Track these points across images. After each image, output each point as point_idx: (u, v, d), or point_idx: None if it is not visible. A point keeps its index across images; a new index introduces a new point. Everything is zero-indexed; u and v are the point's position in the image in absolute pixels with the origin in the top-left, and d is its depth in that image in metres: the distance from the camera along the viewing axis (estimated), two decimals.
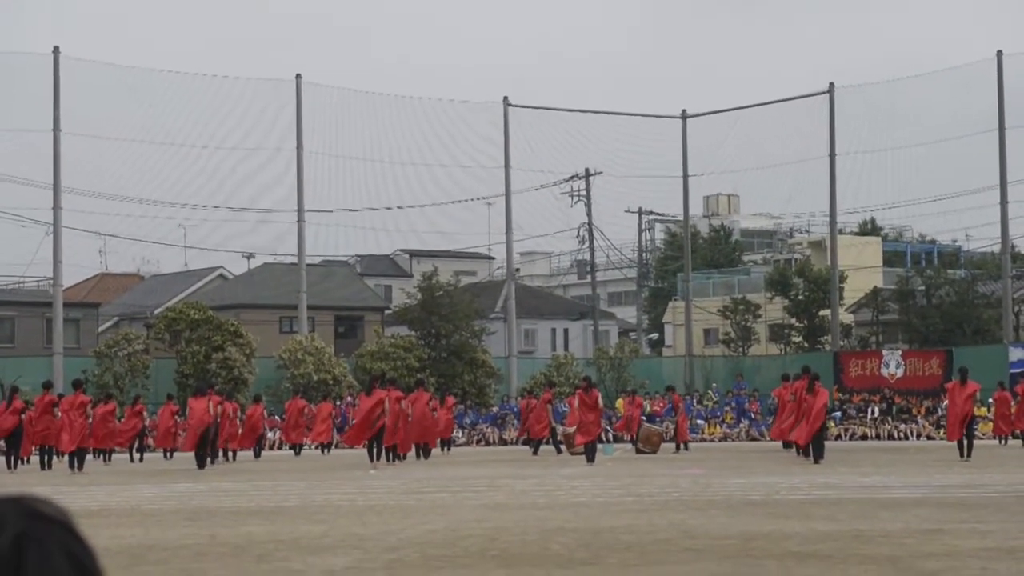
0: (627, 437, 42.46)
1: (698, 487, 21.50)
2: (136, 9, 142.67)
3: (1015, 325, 56.48)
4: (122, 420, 40.33)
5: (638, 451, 38.39)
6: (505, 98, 59.72)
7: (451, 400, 44.81)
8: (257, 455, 40.24)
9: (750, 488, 20.94)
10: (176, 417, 40.50)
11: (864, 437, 49.32)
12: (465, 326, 58.05)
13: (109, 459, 37.74)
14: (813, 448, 30.47)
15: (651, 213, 76.96)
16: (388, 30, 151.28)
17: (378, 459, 31.73)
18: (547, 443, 39.82)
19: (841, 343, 60.17)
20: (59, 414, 33.10)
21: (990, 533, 13.34)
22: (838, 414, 50.44)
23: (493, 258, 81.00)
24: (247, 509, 18.35)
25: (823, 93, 59.12)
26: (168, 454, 39.93)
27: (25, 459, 35.75)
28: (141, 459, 39.44)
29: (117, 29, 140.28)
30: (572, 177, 68.61)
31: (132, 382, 51.02)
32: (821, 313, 62.25)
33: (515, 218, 60.50)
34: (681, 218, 67.18)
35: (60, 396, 35.37)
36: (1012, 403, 42.01)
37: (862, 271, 66.81)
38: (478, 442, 50.59)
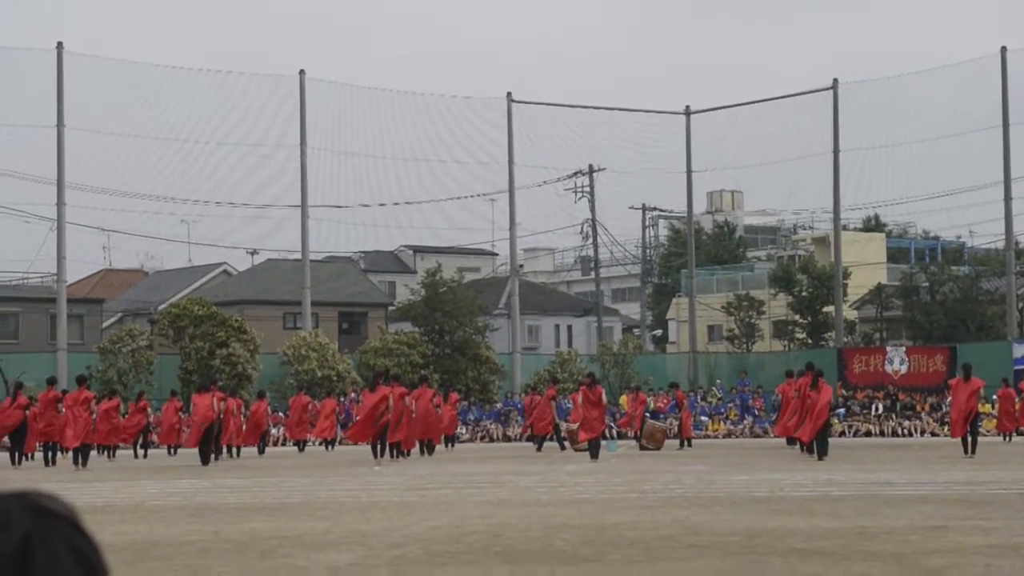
0: (630, 434, 42.44)
1: (702, 484, 21.49)
2: (139, 5, 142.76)
3: (1019, 321, 56.42)
4: (126, 416, 40.35)
5: (642, 448, 38.38)
6: (508, 94, 59.71)
7: (455, 396, 44.81)
8: (261, 451, 40.26)
9: (754, 485, 20.93)
10: (180, 413, 40.51)
11: (868, 434, 49.29)
12: (469, 322, 58.06)
13: (113, 455, 37.77)
14: (817, 445, 30.46)
15: (655, 209, 76.91)
16: (391, 26, 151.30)
17: (382, 455, 31.74)
18: (551, 439, 39.82)
19: (845, 339, 60.13)
20: (63, 410, 33.12)
21: (994, 530, 13.33)
22: (842, 411, 50.40)
23: (497, 254, 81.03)
24: (251, 505, 18.36)
25: (827, 89, 59.08)
26: (172, 450, 39.96)
27: (29, 455, 35.82)
28: (145, 455, 39.48)
29: (120, 25, 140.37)
30: (576, 173, 68.62)
31: (136, 378, 51.05)
32: (825, 309, 62.20)
33: (519, 214, 60.53)
34: (685, 214, 67.15)
35: (64, 392, 35.39)
36: (1016, 400, 41.96)
37: (866, 267, 66.72)
38: (482, 438, 50.60)
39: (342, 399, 49.18)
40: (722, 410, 53.60)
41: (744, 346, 63.65)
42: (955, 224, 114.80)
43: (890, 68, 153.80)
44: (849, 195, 60.34)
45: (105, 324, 66.75)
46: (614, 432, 45.45)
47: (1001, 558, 11.23)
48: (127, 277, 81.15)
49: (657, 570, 10.99)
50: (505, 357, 58.73)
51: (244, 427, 39.80)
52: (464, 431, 49.44)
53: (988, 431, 42.38)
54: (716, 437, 50.29)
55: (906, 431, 49.28)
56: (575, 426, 35.26)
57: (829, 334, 61.84)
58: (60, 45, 52.16)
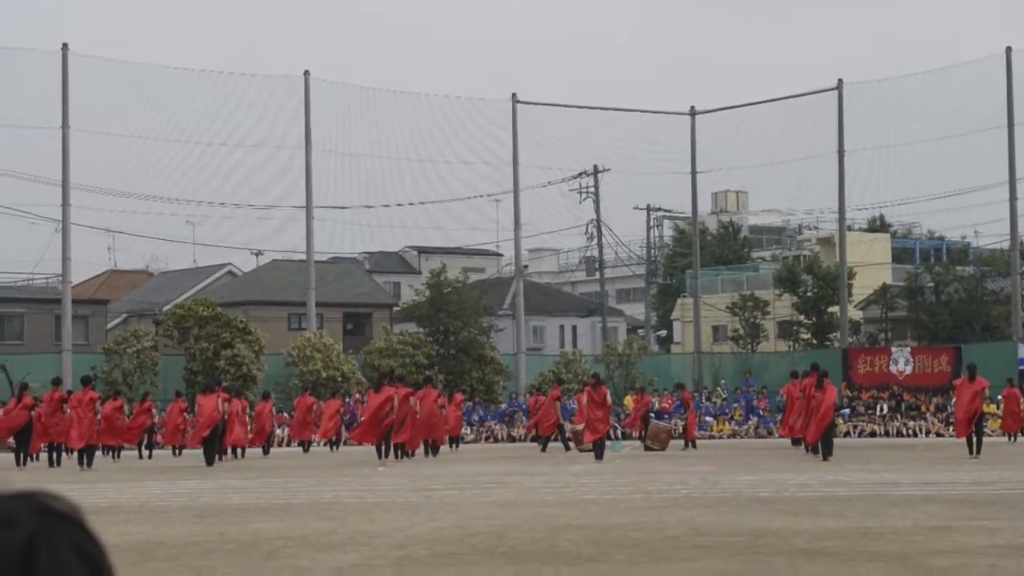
0: (635, 434, 42.44)
1: (707, 484, 21.49)
2: (144, 6, 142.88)
3: None
4: (131, 417, 40.39)
5: (647, 448, 38.37)
6: (514, 95, 59.73)
7: (459, 397, 44.82)
8: (266, 452, 40.27)
9: (759, 485, 20.92)
10: (185, 414, 40.53)
11: (873, 434, 49.26)
12: (473, 323, 58.07)
13: (118, 456, 37.78)
14: (822, 445, 30.45)
15: (659, 210, 76.90)
16: (395, 28, 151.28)
17: (386, 456, 31.75)
18: (555, 440, 39.82)
19: (850, 340, 60.10)
20: (68, 411, 33.15)
21: (999, 530, 13.32)
22: (847, 411, 50.39)
23: (501, 255, 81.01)
24: (256, 506, 18.37)
25: (832, 90, 59.07)
26: (177, 451, 39.98)
27: (34, 456, 35.84)
28: (150, 456, 39.50)
29: (125, 26, 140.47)
30: (580, 174, 68.62)
31: (141, 379, 51.09)
32: (830, 310, 62.18)
33: (523, 215, 60.57)
34: (690, 215, 67.14)
35: (69, 393, 35.41)
36: (1021, 400, 41.91)
37: (871, 268, 66.71)
38: (487, 439, 50.60)
39: (347, 400, 49.20)
40: (727, 410, 53.58)
41: (749, 346, 63.63)
42: (960, 224, 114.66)
43: (895, 68, 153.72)
44: (854, 195, 60.38)
45: (110, 325, 66.83)
46: (619, 433, 45.44)
47: (1006, 558, 11.22)
48: (132, 278, 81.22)
49: (662, 571, 10.99)
50: (510, 358, 58.74)
51: (251, 428, 39.85)
52: (469, 432, 49.44)
53: (993, 431, 42.33)
54: (721, 437, 50.27)
55: (911, 431, 49.24)
56: (580, 427, 35.27)
57: (834, 334, 61.81)
58: (65, 46, 52.24)
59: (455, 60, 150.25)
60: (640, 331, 77.14)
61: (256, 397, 46.13)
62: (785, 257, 77.13)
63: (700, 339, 63.57)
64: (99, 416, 34.32)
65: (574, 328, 76.62)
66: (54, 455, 34.29)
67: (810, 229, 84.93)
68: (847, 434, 48.10)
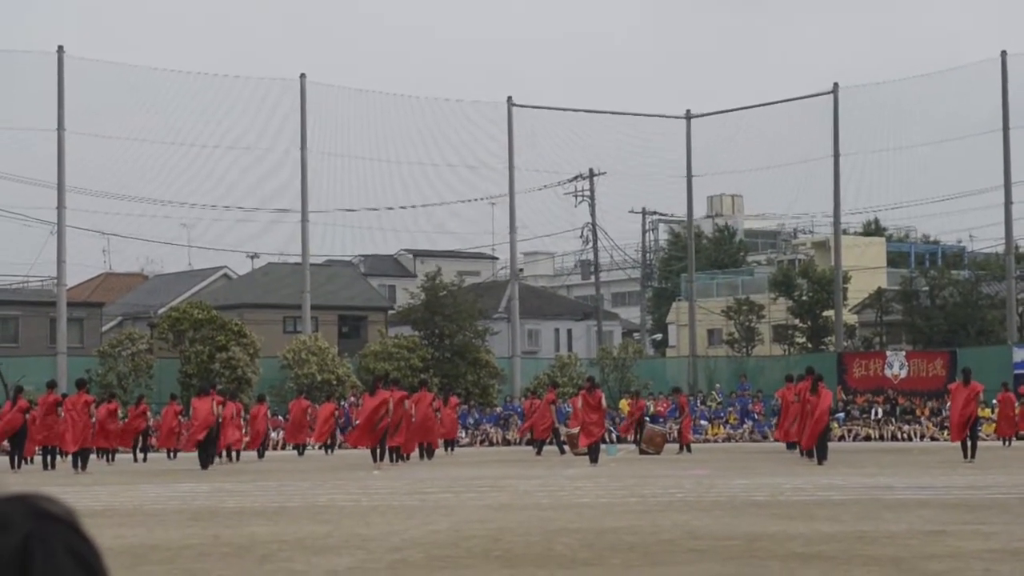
0: (630, 438, 42.44)
1: (702, 488, 21.49)
2: (139, 9, 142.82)
3: (1019, 326, 56.43)
4: (125, 420, 40.34)
5: (642, 452, 38.37)
6: (509, 98, 59.75)
7: (454, 400, 44.79)
8: (260, 455, 40.24)
9: (754, 489, 20.93)
10: (179, 417, 40.50)
11: (868, 438, 49.30)
12: (469, 326, 58.06)
13: (112, 459, 37.74)
14: (817, 449, 30.46)
15: (655, 213, 76.94)
16: (391, 30, 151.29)
17: (381, 459, 31.74)
18: (550, 443, 39.81)
19: (845, 344, 60.13)
20: (63, 414, 33.11)
21: (993, 535, 13.33)
22: (842, 415, 50.42)
23: (497, 258, 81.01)
24: (250, 509, 18.36)
25: (827, 93, 59.11)
26: (171, 454, 39.95)
27: (29, 459, 35.79)
28: (144, 459, 39.47)
29: (121, 28, 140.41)
30: (576, 177, 68.65)
31: (136, 382, 51.03)
32: (825, 314, 62.21)
33: (519, 218, 60.52)
34: (685, 218, 67.17)
35: (64, 396, 35.36)
36: (1016, 404, 41.97)
37: (866, 272, 66.74)
38: (482, 442, 50.58)
39: (342, 403, 49.16)
40: (722, 414, 53.60)
41: (744, 350, 63.65)
42: (955, 228, 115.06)
43: (890, 72, 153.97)
44: (849, 199, 60.42)
45: (105, 328, 66.74)
46: (614, 436, 45.43)
47: (1000, 563, 11.23)
48: (127, 281, 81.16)
49: (657, 574, 10.99)
50: (505, 361, 58.72)
51: (246, 432, 39.83)
52: (464, 435, 49.42)
53: (988, 435, 42.38)
54: (716, 441, 50.30)
55: (906, 435, 49.28)
56: (575, 430, 35.25)
57: (829, 338, 61.84)
58: (61, 48, 52.20)
59: (454, 60, 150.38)
60: (635, 335, 77.15)
61: (251, 400, 46.07)
62: (780, 261, 77.16)
63: (695, 343, 63.58)
64: (94, 419, 34.29)
65: (569, 332, 76.62)
66: (48, 458, 34.24)
67: (805, 233, 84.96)
68: (842, 438, 48.13)
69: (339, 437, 44.45)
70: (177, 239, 75.29)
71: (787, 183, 63.13)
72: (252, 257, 71.25)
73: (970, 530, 13.79)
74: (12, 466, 33.33)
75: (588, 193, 70.62)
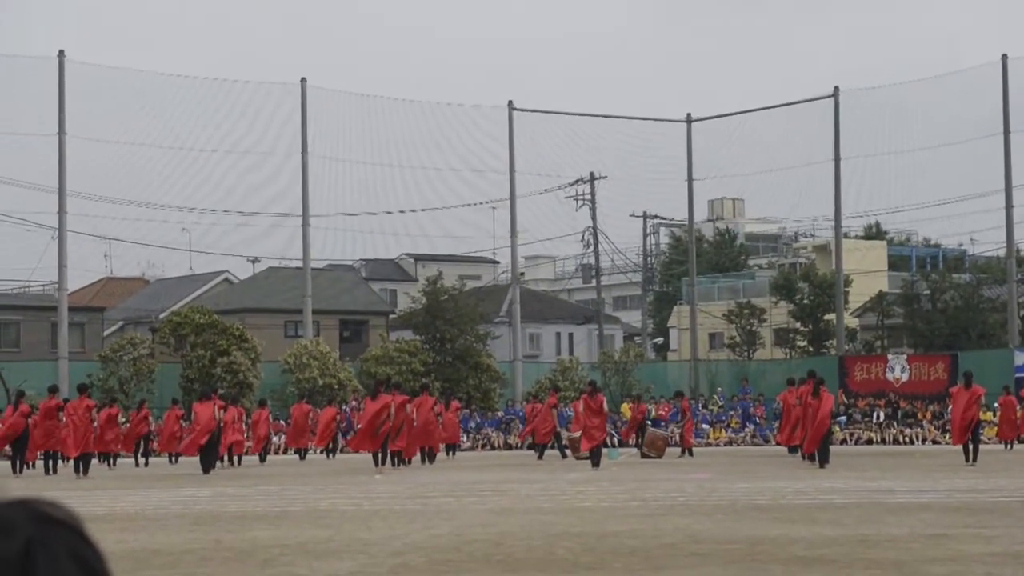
0: (631, 442, 42.42)
1: (704, 492, 21.48)
2: (140, 13, 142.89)
3: (1020, 329, 56.41)
4: (127, 425, 40.32)
5: (643, 456, 38.34)
6: (510, 102, 59.76)
7: (456, 404, 44.78)
8: (262, 460, 40.23)
9: (756, 493, 20.92)
10: (181, 422, 40.50)
11: (869, 442, 49.27)
12: (470, 330, 58.06)
13: (114, 464, 37.73)
14: (818, 453, 30.43)
15: (656, 217, 76.94)
16: (392, 35, 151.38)
17: (383, 463, 31.73)
18: (552, 447, 39.80)
19: (846, 347, 60.12)
20: (64, 418, 33.10)
21: (995, 538, 13.32)
22: (843, 418, 50.39)
23: (498, 262, 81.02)
24: (252, 514, 18.35)
25: (828, 97, 59.13)
26: (173, 459, 39.94)
27: (30, 464, 35.80)
28: (146, 464, 39.49)
29: (122, 33, 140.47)
30: (577, 181, 68.67)
31: (137, 386, 51.03)
32: (826, 317, 62.20)
33: (520, 222, 60.59)
34: (686, 222, 67.18)
35: (65, 401, 35.36)
36: (1017, 407, 41.94)
37: (867, 275, 66.73)
38: (483, 446, 50.57)
39: (343, 407, 49.15)
40: (723, 418, 53.57)
41: (745, 354, 63.64)
42: (956, 232, 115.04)
43: (891, 76, 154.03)
44: (850, 203, 60.47)
45: (106, 332, 66.77)
46: (615, 440, 45.41)
47: (1002, 566, 11.22)
48: (128, 285, 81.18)
49: None
50: (506, 365, 58.72)
51: (247, 436, 39.83)
52: (465, 439, 49.40)
53: (989, 439, 42.36)
54: (718, 445, 50.26)
55: (907, 439, 49.25)
56: (577, 434, 35.23)
57: (830, 342, 61.83)
58: (62, 53, 52.24)
59: (454, 60, 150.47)
60: (636, 338, 77.14)
61: (252, 404, 46.08)
62: (781, 264, 77.20)
63: (696, 347, 63.56)
64: (95, 424, 34.29)
65: (570, 335, 76.63)
66: (50, 463, 34.24)
67: (806, 236, 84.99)
68: (843, 441, 48.10)
69: (341, 441, 44.46)
70: (178, 243, 75.50)
71: (788, 187, 63.27)
72: (253, 261, 71.31)
73: (972, 534, 13.78)
74: (14, 471, 33.34)
75: (589, 197, 70.65)
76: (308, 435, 43.23)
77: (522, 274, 69.86)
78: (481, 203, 62.59)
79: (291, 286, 61.81)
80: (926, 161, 58.93)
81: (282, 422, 48.36)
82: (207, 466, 32.53)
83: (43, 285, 65.37)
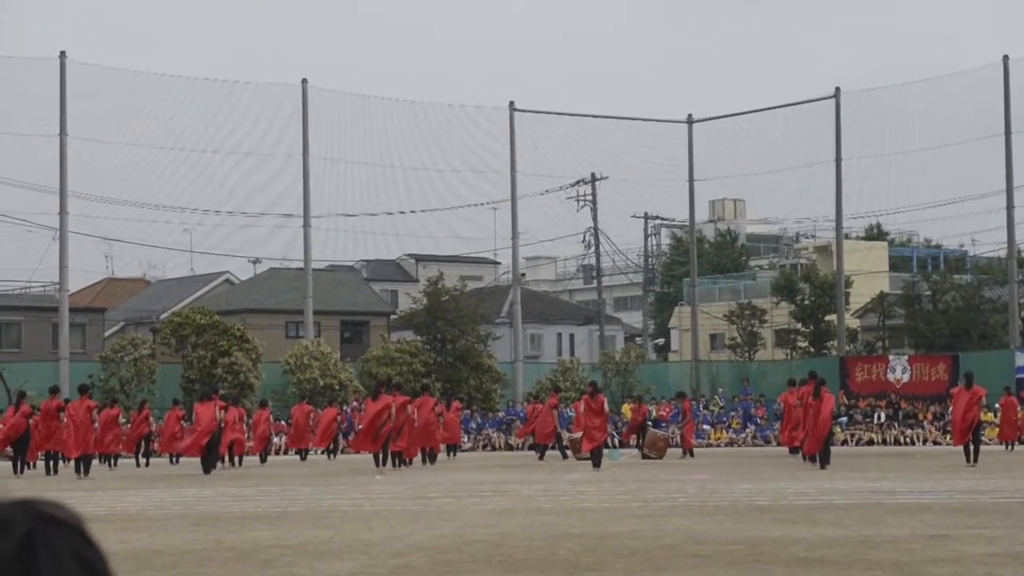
0: (632, 443, 42.42)
1: (705, 492, 21.48)
2: (142, 15, 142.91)
3: (1021, 330, 56.39)
4: (128, 425, 40.32)
5: (644, 456, 38.33)
6: (511, 103, 59.78)
7: (457, 405, 44.78)
8: (263, 460, 40.24)
9: (757, 493, 20.92)
10: (182, 422, 40.50)
11: (870, 442, 49.26)
12: (471, 331, 58.05)
13: (115, 464, 37.75)
14: (820, 454, 30.42)
15: (657, 218, 76.95)
16: (393, 36, 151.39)
17: (384, 464, 31.73)
18: (553, 448, 39.80)
19: (847, 348, 60.11)
20: (65, 419, 33.12)
21: (996, 539, 13.32)
22: (844, 419, 50.38)
23: (499, 263, 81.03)
24: (253, 514, 18.36)
25: (829, 98, 59.14)
26: (174, 459, 39.94)
27: (31, 464, 35.82)
28: (147, 464, 39.50)
29: (123, 34, 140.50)
30: (578, 182, 68.66)
31: (138, 387, 51.04)
32: (827, 318, 62.20)
33: (521, 223, 60.61)
34: (687, 223, 67.18)
35: (66, 401, 35.38)
36: (1018, 408, 41.93)
37: (868, 276, 66.72)
38: (484, 447, 50.57)
39: (344, 408, 49.15)
40: (724, 419, 53.56)
41: (746, 355, 63.63)
42: (957, 233, 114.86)
43: (892, 76, 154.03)
44: (851, 204, 60.47)
45: (107, 333, 66.78)
46: (616, 440, 45.40)
47: (1003, 567, 11.22)
48: (129, 286, 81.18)
49: None
50: (507, 366, 58.71)
51: (248, 436, 39.83)
52: (466, 440, 49.40)
53: (990, 440, 42.34)
54: (718, 446, 50.25)
55: (908, 440, 49.24)
56: (578, 435, 35.23)
57: (831, 343, 61.83)
58: (63, 54, 52.25)
59: (455, 61, 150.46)
60: (638, 339, 77.14)
61: (253, 405, 46.07)
62: (782, 265, 77.18)
63: (698, 347, 63.55)
64: (96, 424, 34.31)
65: (571, 336, 76.62)
66: (51, 463, 34.24)
67: (807, 237, 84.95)
68: (844, 442, 48.08)
69: (342, 442, 44.46)
70: (179, 244, 75.32)
71: (789, 187, 63.25)
72: (254, 262, 71.32)
73: (972, 534, 13.79)
74: (15, 471, 33.36)
75: (590, 197, 70.65)
76: (309, 436, 43.23)
77: (523, 275, 69.86)
78: (482, 204, 62.64)
79: (292, 287, 61.81)
80: (927, 162, 59.00)
81: (283, 423, 48.36)
82: (208, 467, 32.53)
83: (44, 286, 65.39)
